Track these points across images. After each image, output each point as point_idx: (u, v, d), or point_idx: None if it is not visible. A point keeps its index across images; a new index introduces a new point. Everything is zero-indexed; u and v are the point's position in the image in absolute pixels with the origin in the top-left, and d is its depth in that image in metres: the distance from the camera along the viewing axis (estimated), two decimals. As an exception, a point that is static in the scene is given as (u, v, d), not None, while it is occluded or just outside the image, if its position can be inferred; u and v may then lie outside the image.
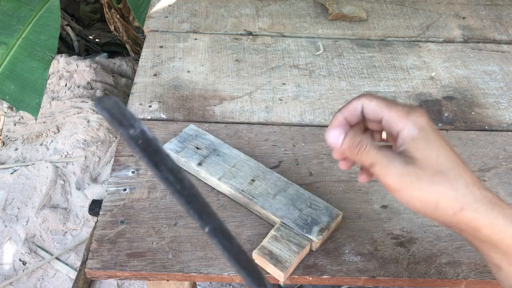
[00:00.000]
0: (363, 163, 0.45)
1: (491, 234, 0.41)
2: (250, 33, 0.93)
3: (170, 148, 0.67)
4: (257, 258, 0.55)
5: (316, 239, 0.56)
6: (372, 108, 0.46)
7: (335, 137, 0.45)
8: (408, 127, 0.44)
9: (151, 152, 0.30)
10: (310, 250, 0.57)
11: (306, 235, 0.56)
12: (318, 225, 0.57)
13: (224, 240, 0.33)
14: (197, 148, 0.67)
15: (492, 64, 0.87)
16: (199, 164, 0.65)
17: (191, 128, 0.70)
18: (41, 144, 1.69)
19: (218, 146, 0.67)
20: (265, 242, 0.56)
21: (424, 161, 0.42)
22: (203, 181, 0.65)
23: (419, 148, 0.43)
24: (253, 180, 0.63)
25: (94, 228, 1.06)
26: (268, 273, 0.55)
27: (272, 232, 0.57)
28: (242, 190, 0.61)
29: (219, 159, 0.66)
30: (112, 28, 1.93)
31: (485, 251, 0.43)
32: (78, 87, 1.87)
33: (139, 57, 0.87)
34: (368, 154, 0.44)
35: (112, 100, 0.29)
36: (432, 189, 0.42)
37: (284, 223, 0.58)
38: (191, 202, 0.32)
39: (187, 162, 0.65)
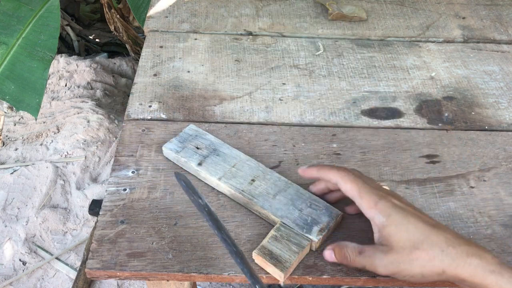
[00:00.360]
0: (356, 267, 0.53)
1: (475, 284, 0.47)
2: (250, 33, 0.93)
3: (170, 148, 0.66)
4: (257, 258, 0.55)
5: (316, 239, 0.56)
6: (346, 190, 0.55)
7: (330, 256, 0.54)
8: (377, 216, 0.51)
9: (214, 219, 0.48)
10: (310, 250, 0.57)
11: (306, 235, 0.56)
12: (318, 225, 0.57)
13: None
14: (197, 148, 0.67)
15: (492, 64, 0.87)
16: (199, 164, 0.64)
17: (191, 128, 0.70)
18: (41, 144, 1.69)
19: (218, 146, 0.67)
20: (265, 242, 0.56)
21: (398, 245, 0.49)
22: (203, 181, 0.65)
23: (391, 234, 0.50)
24: (253, 180, 0.63)
25: (94, 228, 1.06)
26: (268, 273, 0.55)
27: (272, 232, 0.57)
28: (242, 190, 0.61)
29: (219, 159, 0.65)
30: (112, 28, 1.93)
31: None
32: (78, 87, 1.87)
33: (139, 57, 0.87)
34: (355, 262, 0.52)
35: (186, 177, 0.49)
36: (413, 267, 0.49)
37: (284, 223, 0.57)
38: (243, 262, 0.49)
39: (187, 162, 0.65)
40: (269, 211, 0.59)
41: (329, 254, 0.54)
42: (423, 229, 0.50)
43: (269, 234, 0.56)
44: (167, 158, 0.68)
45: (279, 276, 0.53)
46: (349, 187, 0.54)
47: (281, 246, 0.55)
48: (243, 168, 0.64)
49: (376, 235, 0.52)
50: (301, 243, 0.56)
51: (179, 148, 0.66)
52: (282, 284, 0.55)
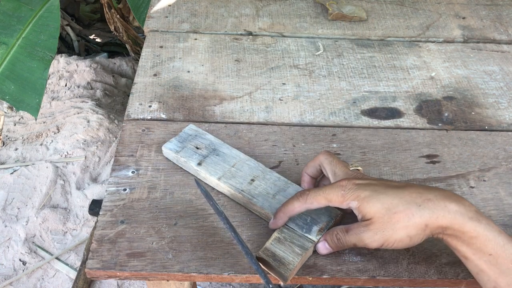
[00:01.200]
0: (349, 247, 0.54)
1: (456, 231, 0.49)
2: (250, 33, 0.93)
3: (169, 148, 0.66)
4: (260, 260, 0.55)
5: (315, 238, 0.56)
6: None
7: (324, 248, 0.55)
8: (350, 204, 0.52)
9: (231, 224, 0.52)
10: None
11: (306, 234, 0.56)
12: (317, 225, 0.57)
13: None
14: (197, 148, 0.67)
15: (492, 64, 0.87)
16: (199, 164, 0.64)
17: (191, 128, 0.70)
18: (41, 144, 1.69)
19: (218, 146, 0.67)
20: (268, 244, 0.55)
21: (376, 216, 0.50)
22: (202, 181, 0.65)
23: (367, 210, 0.51)
24: (252, 180, 0.63)
25: (94, 228, 1.06)
26: (271, 274, 0.55)
27: (275, 234, 0.57)
28: (241, 190, 0.61)
29: (218, 159, 0.65)
30: (112, 28, 1.93)
31: (453, 245, 0.50)
32: (78, 87, 1.87)
33: (139, 57, 0.87)
34: (346, 241, 0.53)
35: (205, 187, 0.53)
36: (397, 231, 0.50)
37: (286, 225, 0.57)
38: (257, 263, 0.51)
39: (186, 162, 0.65)
40: (269, 211, 0.59)
41: (322, 245, 0.55)
42: (394, 193, 0.50)
43: (272, 236, 0.56)
44: (167, 158, 0.68)
45: (282, 278, 0.53)
46: (316, 203, 0.54)
47: (284, 248, 0.55)
48: (242, 168, 0.64)
49: (358, 217, 0.53)
50: (304, 245, 0.55)
51: (178, 148, 0.66)
52: (282, 284, 0.55)
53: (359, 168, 0.60)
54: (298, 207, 0.55)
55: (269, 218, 0.60)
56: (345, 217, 0.61)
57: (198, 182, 0.58)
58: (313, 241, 0.56)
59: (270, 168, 0.66)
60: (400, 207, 0.49)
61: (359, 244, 0.52)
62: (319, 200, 0.54)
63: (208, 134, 0.69)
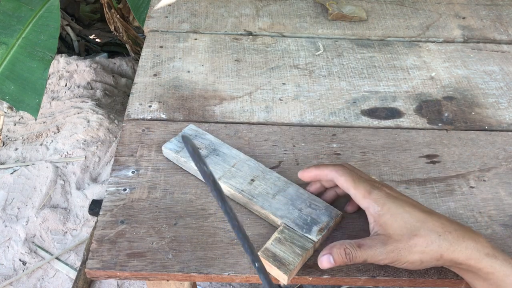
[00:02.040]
0: (357, 263, 0.52)
1: (471, 266, 0.49)
2: (250, 33, 0.93)
3: (169, 148, 0.66)
4: (263, 260, 0.54)
5: (315, 238, 0.56)
6: (341, 183, 0.55)
7: (327, 262, 0.51)
8: (371, 205, 0.52)
9: (218, 190, 0.43)
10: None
11: (306, 235, 0.56)
12: (317, 225, 0.57)
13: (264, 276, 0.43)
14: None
15: (492, 64, 0.87)
16: None
17: (191, 128, 0.70)
18: (41, 144, 1.69)
19: (218, 146, 0.67)
20: (268, 244, 0.55)
21: (396, 233, 0.50)
22: (202, 181, 0.65)
23: (387, 223, 0.50)
24: (252, 180, 0.63)
25: (94, 228, 1.06)
26: (271, 274, 0.55)
27: (275, 234, 0.56)
28: (241, 190, 0.61)
29: (218, 159, 0.66)
30: (112, 28, 1.93)
31: (469, 280, 0.51)
32: (78, 87, 1.87)
33: (139, 57, 0.87)
34: (357, 257, 0.51)
35: (193, 142, 0.44)
36: (412, 254, 0.49)
37: (287, 225, 0.57)
38: (244, 237, 0.44)
39: (187, 162, 0.65)
40: (269, 211, 0.59)
41: (326, 259, 0.52)
42: (418, 216, 0.50)
43: (273, 237, 0.56)
44: (167, 158, 0.68)
45: (282, 278, 0.53)
46: (343, 180, 0.55)
47: (284, 249, 0.55)
48: (242, 168, 0.64)
49: (371, 225, 0.52)
50: (305, 246, 0.55)
51: (178, 148, 0.66)
52: (281, 284, 0.55)
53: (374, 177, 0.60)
54: (328, 171, 0.56)
55: (268, 218, 0.60)
56: (345, 218, 0.61)
57: (185, 140, 0.46)
58: (314, 241, 0.56)
59: (270, 168, 0.66)
60: (422, 232, 0.49)
61: (370, 260, 0.51)
62: (347, 181, 0.54)
63: (208, 134, 0.69)
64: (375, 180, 0.56)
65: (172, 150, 0.66)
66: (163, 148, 0.67)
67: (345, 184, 0.55)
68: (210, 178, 0.46)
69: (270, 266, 0.54)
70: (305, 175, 0.60)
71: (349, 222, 0.61)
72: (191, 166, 0.65)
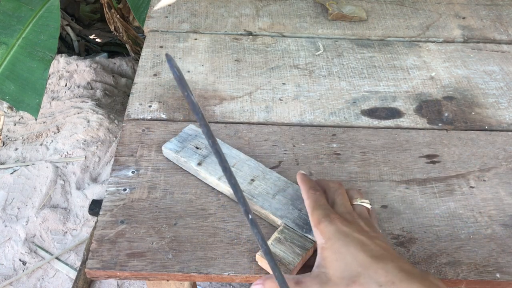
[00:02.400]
0: None
1: None
2: (250, 33, 0.93)
3: (170, 148, 0.66)
4: (260, 260, 0.55)
5: (315, 238, 0.56)
6: (306, 205, 0.55)
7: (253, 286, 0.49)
8: (318, 236, 0.51)
9: (206, 125, 0.40)
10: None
11: (306, 234, 0.56)
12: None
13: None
14: (197, 148, 0.67)
15: (492, 64, 0.87)
16: (199, 164, 0.64)
17: (191, 128, 0.70)
18: (41, 144, 1.69)
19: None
20: (268, 244, 0.55)
21: (336, 275, 0.47)
22: (203, 181, 0.65)
23: (329, 260, 0.48)
24: (252, 180, 0.63)
25: (94, 228, 1.06)
26: (267, 271, 0.55)
27: (275, 234, 0.56)
28: (242, 190, 0.61)
29: None
30: (112, 28, 1.93)
31: None
32: (78, 87, 1.87)
33: (139, 57, 0.87)
34: None
35: (178, 67, 0.38)
36: None
37: (287, 225, 0.57)
38: (231, 178, 0.41)
39: (186, 162, 0.65)
40: (269, 211, 0.59)
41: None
42: (363, 260, 0.47)
43: (273, 237, 0.56)
44: (167, 158, 0.68)
45: None
46: (307, 204, 0.55)
47: (284, 249, 0.55)
48: (242, 168, 0.64)
49: (318, 255, 0.51)
50: (305, 246, 0.55)
51: (178, 148, 0.66)
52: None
53: (365, 205, 0.57)
54: (302, 192, 0.57)
55: (268, 218, 0.60)
56: None
57: (170, 61, 0.40)
58: (314, 241, 0.56)
59: (270, 168, 0.66)
60: (361, 280, 0.46)
61: None
62: (309, 205, 0.54)
63: None
64: (342, 208, 0.54)
65: (172, 150, 0.66)
66: (163, 148, 0.67)
67: (307, 208, 0.55)
68: (199, 110, 0.41)
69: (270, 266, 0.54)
70: (298, 178, 0.60)
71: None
72: (191, 166, 0.65)
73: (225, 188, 0.62)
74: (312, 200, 0.55)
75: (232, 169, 0.64)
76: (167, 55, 0.40)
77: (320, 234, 0.51)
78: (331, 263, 0.48)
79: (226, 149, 0.67)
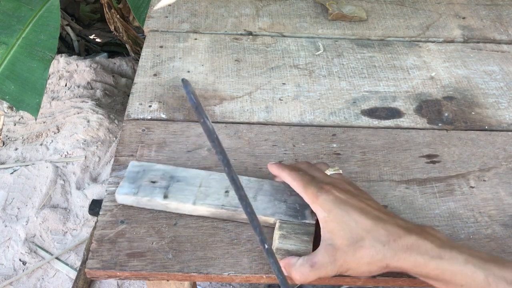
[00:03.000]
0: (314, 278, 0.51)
1: (419, 272, 0.49)
2: (250, 33, 0.93)
3: (125, 192, 0.59)
4: (279, 261, 0.54)
5: (313, 220, 0.56)
6: (295, 188, 0.55)
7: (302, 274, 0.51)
8: (319, 211, 0.51)
9: (223, 150, 0.42)
10: None
11: (303, 221, 0.56)
12: (307, 208, 0.57)
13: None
14: (153, 182, 0.60)
15: (492, 64, 0.87)
16: (165, 197, 0.59)
17: (134, 164, 0.63)
18: (41, 144, 1.69)
19: (174, 172, 0.62)
20: (276, 244, 0.55)
21: (343, 244, 0.49)
22: (175, 212, 0.61)
23: (334, 231, 0.50)
24: (227, 192, 0.60)
25: (94, 228, 1.06)
26: (268, 273, 0.55)
27: (277, 232, 0.56)
28: (222, 205, 0.59)
29: (181, 184, 0.60)
30: (112, 28, 1.93)
31: (425, 281, 0.50)
32: (78, 87, 1.87)
33: (139, 57, 0.87)
34: (310, 278, 0.51)
35: (194, 90, 0.41)
36: (360, 265, 0.49)
37: (282, 220, 0.57)
38: (247, 207, 0.45)
39: (151, 200, 0.59)
40: (259, 213, 0.58)
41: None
42: (365, 224, 0.50)
43: (276, 235, 0.56)
44: (123, 203, 0.61)
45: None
46: (295, 185, 0.55)
47: (293, 242, 0.55)
48: (210, 184, 0.61)
49: (321, 230, 0.52)
50: (309, 231, 0.56)
51: (134, 189, 0.60)
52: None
53: (339, 171, 0.59)
54: (285, 178, 0.57)
55: (261, 221, 0.59)
56: None
57: (187, 86, 0.42)
58: (312, 224, 0.56)
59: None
60: (366, 242, 0.49)
61: (322, 277, 0.51)
62: (299, 185, 0.54)
63: (156, 164, 0.63)
64: (326, 177, 0.56)
65: (129, 194, 0.59)
66: (116, 195, 0.60)
67: (297, 189, 0.55)
68: (215, 136, 0.42)
69: None
70: (271, 170, 0.60)
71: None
72: (157, 202, 0.59)
73: (204, 210, 0.59)
74: (300, 180, 0.55)
75: (201, 188, 0.60)
76: (183, 80, 0.40)
77: (321, 208, 0.51)
78: (337, 234, 0.50)
79: (183, 172, 0.62)
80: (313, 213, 0.57)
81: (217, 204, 0.59)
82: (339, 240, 0.50)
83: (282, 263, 0.52)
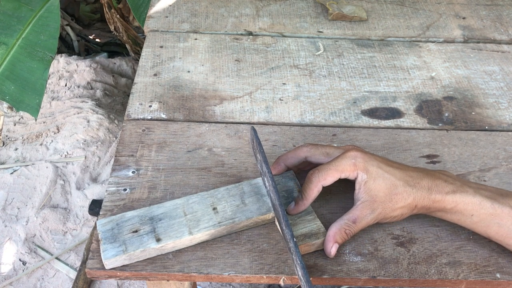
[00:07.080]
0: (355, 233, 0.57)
1: (438, 207, 0.56)
2: (250, 33, 0.93)
3: (113, 254, 0.54)
4: (300, 247, 0.56)
5: None
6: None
7: (335, 250, 0.56)
8: (361, 176, 0.56)
9: (277, 190, 0.53)
10: (309, 252, 0.57)
11: None
12: (294, 191, 0.60)
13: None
14: (136, 231, 0.56)
15: (492, 64, 0.87)
16: (158, 240, 0.55)
17: (102, 223, 0.57)
18: (41, 144, 1.69)
19: (150, 213, 0.58)
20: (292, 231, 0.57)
21: (380, 195, 0.56)
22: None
23: (371, 188, 0.56)
24: (215, 209, 0.59)
25: (94, 228, 1.06)
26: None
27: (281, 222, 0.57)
28: (219, 222, 0.57)
29: (166, 221, 0.57)
30: (112, 28, 1.93)
31: (443, 217, 0.58)
32: (78, 87, 1.87)
33: (139, 57, 0.87)
34: (355, 232, 0.57)
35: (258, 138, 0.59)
36: (395, 210, 0.56)
37: (278, 211, 0.57)
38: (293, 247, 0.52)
39: (144, 250, 0.54)
40: (256, 215, 0.58)
41: (335, 249, 0.56)
42: (395, 173, 0.56)
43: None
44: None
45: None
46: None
47: (302, 225, 0.57)
48: (193, 208, 0.59)
49: (356, 191, 0.57)
50: (308, 210, 0.59)
51: (121, 247, 0.54)
52: (282, 284, 0.55)
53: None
54: (314, 187, 0.57)
55: (259, 221, 0.59)
56: (323, 191, 0.58)
57: (255, 133, 0.57)
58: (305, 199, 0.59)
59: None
60: (400, 189, 0.55)
61: (364, 227, 0.57)
62: (332, 174, 0.56)
63: (127, 212, 0.58)
64: (342, 148, 0.60)
65: (118, 255, 0.54)
66: (106, 262, 0.54)
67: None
68: (272, 179, 0.54)
69: (310, 244, 0.56)
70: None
71: (336, 205, 0.61)
72: (151, 248, 0.55)
73: (203, 235, 0.57)
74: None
75: (188, 217, 0.58)
76: (252, 128, 0.52)
77: (363, 172, 0.56)
78: (375, 189, 0.55)
79: (159, 208, 0.59)
80: (300, 192, 0.59)
81: (213, 223, 0.57)
82: (379, 193, 0.55)
83: (329, 238, 0.56)
